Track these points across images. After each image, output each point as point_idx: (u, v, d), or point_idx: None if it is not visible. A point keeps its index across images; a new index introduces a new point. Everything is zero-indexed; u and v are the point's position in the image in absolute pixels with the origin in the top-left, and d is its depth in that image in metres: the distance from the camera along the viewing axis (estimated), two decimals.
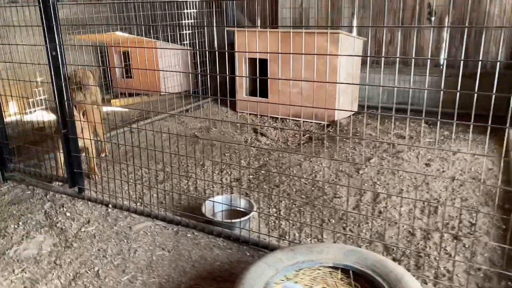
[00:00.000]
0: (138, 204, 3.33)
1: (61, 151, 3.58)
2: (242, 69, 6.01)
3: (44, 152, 4.13)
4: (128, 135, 5.02)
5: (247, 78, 6.05)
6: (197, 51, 6.56)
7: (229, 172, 3.92)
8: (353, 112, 5.99)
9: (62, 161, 3.68)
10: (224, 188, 3.61)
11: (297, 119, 5.72)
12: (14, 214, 3.25)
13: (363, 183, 3.57)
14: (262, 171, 3.92)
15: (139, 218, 3.11)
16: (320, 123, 5.57)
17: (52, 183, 3.72)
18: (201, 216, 2.94)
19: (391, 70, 6.11)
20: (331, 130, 5.30)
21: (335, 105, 5.45)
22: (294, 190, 3.50)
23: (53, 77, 3.13)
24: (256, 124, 5.69)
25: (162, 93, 6.78)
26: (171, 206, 3.28)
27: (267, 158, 4.27)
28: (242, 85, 6.08)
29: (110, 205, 3.28)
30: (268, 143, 4.97)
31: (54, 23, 3.02)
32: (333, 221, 3.02)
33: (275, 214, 3.15)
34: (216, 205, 3.02)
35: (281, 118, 5.83)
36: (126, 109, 6.35)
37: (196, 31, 6.44)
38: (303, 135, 5.23)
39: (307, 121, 5.67)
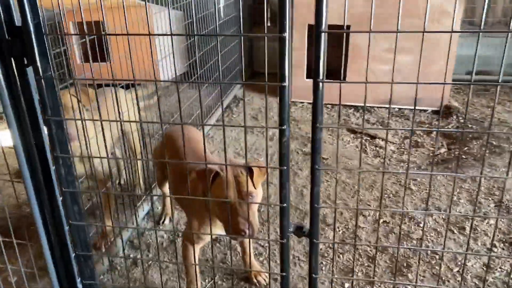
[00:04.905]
0: None
1: None
2: (302, 41, 4.23)
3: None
4: None
5: (306, 55, 4.29)
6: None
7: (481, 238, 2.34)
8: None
9: None
10: None
11: (383, 105, 4.24)
12: None
13: None
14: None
15: None
16: (426, 110, 4.16)
17: None
18: None
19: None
20: (453, 121, 3.93)
21: (449, 85, 4.09)
22: None
23: None
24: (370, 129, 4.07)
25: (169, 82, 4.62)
26: None
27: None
28: (302, 64, 4.31)
29: None
30: (393, 150, 3.44)
31: None
32: None
33: None
34: None
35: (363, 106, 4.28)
36: None
37: None
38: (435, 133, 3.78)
39: (403, 108, 4.22)
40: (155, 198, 2.67)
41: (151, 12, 3.84)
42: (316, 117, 1.25)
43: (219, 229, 1.73)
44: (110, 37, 4.45)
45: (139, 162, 2.70)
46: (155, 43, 4.06)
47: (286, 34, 1.17)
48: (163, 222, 2.48)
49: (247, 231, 1.46)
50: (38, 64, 1.33)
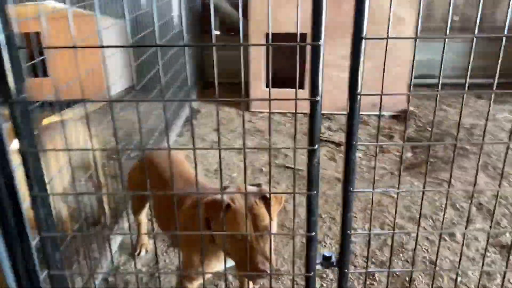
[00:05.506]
0: None
1: None
2: (259, 50, 4.12)
3: None
4: None
5: (265, 65, 4.18)
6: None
7: None
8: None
9: None
10: None
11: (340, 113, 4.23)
12: None
13: None
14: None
15: None
16: (383, 115, 4.21)
17: None
18: None
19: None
20: (414, 126, 4.00)
21: (405, 90, 4.16)
22: None
23: None
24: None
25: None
26: None
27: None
28: (260, 73, 4.19)
29: None
30: (361, 157, 3.42)
31: None
32: None
33: None
34: None
35: (324, 114, 4.25)
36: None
37: None
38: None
39: (362, 114, 4.23)
40: (126, 227, 2.40)
41: (95, 22, 3.53)
42: (353, 134, 1.11)
43: (220, 264, 1.54)
44: (48, 50, 4.06)
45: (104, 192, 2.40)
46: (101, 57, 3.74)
47: (322, 42, 1.02)
48: (138, 254, 2.22)
49: (268, 271, 1.28)
50: (10, 85, 1.08)
